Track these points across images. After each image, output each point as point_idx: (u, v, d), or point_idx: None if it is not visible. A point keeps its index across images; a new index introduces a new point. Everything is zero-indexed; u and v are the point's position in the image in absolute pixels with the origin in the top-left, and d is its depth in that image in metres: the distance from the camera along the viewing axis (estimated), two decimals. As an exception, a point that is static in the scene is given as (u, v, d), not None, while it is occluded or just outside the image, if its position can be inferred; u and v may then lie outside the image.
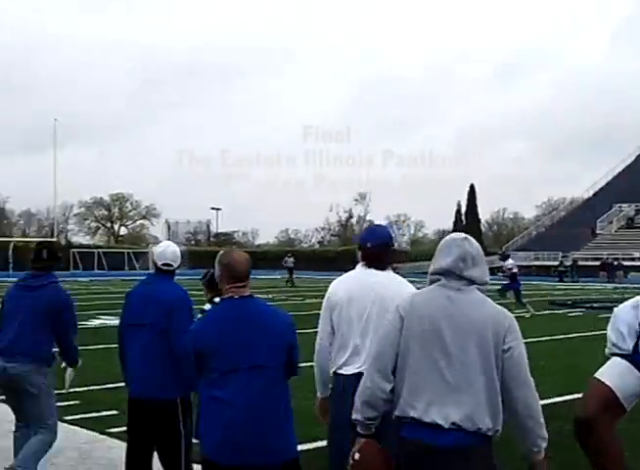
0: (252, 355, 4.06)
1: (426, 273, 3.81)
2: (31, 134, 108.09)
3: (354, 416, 3.61)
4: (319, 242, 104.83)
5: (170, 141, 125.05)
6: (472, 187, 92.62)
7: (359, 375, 4.37)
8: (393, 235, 4.93)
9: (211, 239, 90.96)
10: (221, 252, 4.44)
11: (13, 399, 6.34)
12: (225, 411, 4.03)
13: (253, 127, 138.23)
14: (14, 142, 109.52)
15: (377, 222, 74.22)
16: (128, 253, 73.97)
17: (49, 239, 70.21)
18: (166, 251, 5.68)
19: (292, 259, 43.64)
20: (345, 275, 4.96)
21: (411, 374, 3.46)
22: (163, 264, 5.62)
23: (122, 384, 9.63)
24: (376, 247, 4.83)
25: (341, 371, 4.67)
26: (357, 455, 3.57)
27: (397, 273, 5.00)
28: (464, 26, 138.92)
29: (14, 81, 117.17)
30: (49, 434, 6.18)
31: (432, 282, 3.67)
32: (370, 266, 4.82)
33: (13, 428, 7.93)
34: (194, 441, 4.85)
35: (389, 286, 4.71)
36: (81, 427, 8.02)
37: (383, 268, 4.82)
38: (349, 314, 4.71)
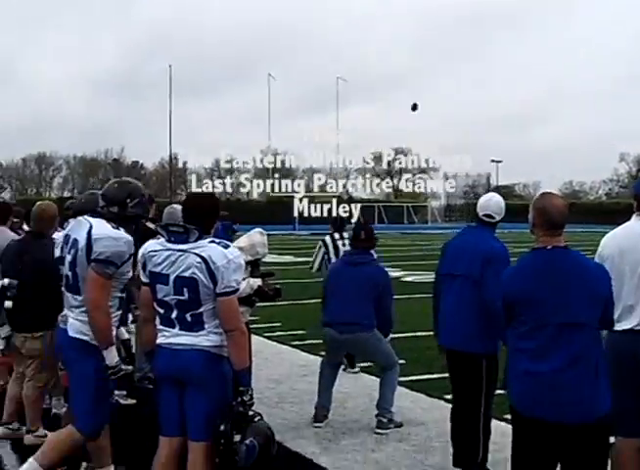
0: (564, 311, 3.77)
1: None
2: (315, 94, 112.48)
3: None
4: (606, 194, 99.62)
5: (450, 94, 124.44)
6: None
7: (631, 332, 4.34)
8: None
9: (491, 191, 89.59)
10: (537, 195, 4.14)
11: (342, 353, 7.13)
12: (530, 365, 3.84)
13: (535, 79, 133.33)
14: (299, 102, 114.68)
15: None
16: (407, 206, 74.90)
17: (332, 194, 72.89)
18: (490, 201, 5.42)
19: None
20: (619, 228, 4.60)
21: None
22: (485, 215, 5.37)
23: (411, 334, 9.80)
24: None
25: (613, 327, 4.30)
26: None
27: None
28: None
29: (298, 43, 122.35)
30: (395, 367, 6.77)
31: None
32: None
33: (304, 372, 8.28)
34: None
35: None
36: (370, 374, 8.14)
37: None
38: (621, 268, 4.39)
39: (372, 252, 7.05)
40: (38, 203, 6.57)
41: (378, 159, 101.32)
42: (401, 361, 8.66)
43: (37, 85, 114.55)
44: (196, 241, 4.05)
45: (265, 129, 57.00)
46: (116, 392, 7.09)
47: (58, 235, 6.43)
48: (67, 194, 76.94)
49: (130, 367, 8.02)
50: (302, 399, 7.38)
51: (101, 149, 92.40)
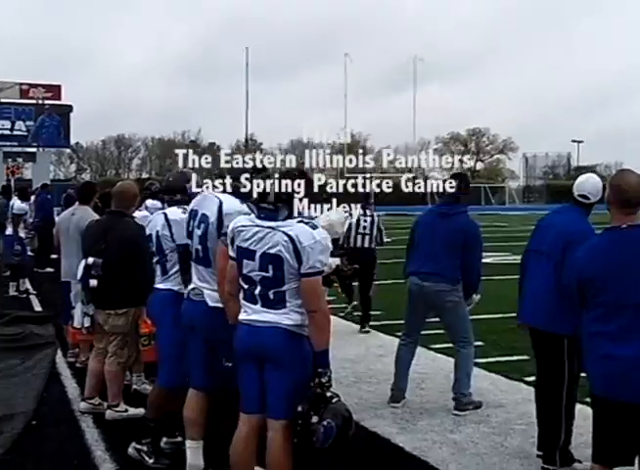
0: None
1: None
2: (392, 73, 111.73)
3: None
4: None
5: (531, 72, 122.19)
6: None
7: None
8: None
9: (571, 173, 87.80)
10: (615, 172, 4.02)
11: (421, 315, 6.75)
12: (611, 348, 3.75)
13: (617, 56, 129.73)
14: (375, 82, 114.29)
15: None
16: (484, 187, 73.98)
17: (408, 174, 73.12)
18: (586, 182, 5.22)
19: None
20: None
21: None
22: (580, 195, 5.18)
23: (489, 316, 9.68)
24: None
25: None
26: None
27: None
28: None
29: (375, 23, 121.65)
30: (469, 347, 6.62)
31: None
32: None
33: (380, 353, 8.27)
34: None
35: None
36: (448, 356, 8.07)
37: None
38: None
39: (464, 204, 6.75)
40: (120, 183, 6.69)
41: (455, 139, 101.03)
42: (479, 343, 8.60)
43: (116, 69, 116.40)
44: (285, 220, 4.06)
45: (342, 109, 56.67)
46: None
47: (139, 214, 6.53)
48: (145, 175, 78.29)
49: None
50: (379, 379, 7.36)
51: (178, 131, 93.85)
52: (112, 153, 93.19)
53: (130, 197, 6.36)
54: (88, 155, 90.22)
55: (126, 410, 6.17)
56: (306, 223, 4.06)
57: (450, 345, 8.43)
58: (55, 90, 53.36)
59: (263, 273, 4.05)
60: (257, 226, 4.10)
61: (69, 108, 54.05)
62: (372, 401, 6.64)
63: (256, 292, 4.10)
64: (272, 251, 4.01)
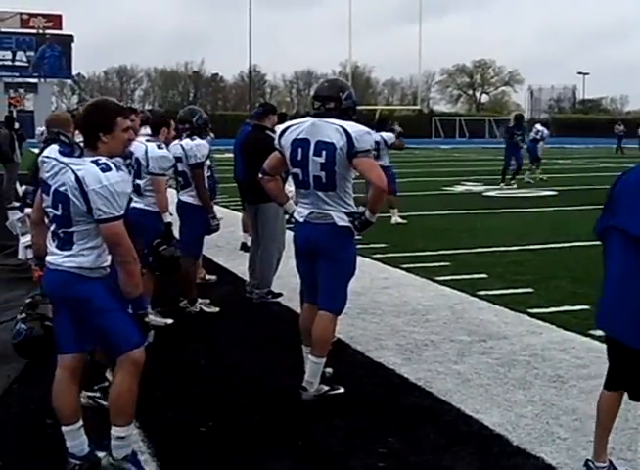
0: (631, 218, 3.43)
1: None
2: (398, 5, 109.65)
3: None
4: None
5: (537, 4, 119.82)
6: None
7: None
8: None
9: (577, 106, 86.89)
10: None
11: None
12: (604, 268, 3.63)
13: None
14: (381, 13, 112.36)
15: None
16: (489, 120, 73.34)
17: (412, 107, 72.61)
18: None
19: (622, 128, 42.16)
20: None
21: None
22: None
23: (493, 248, 9.67)
24: None
25: None
26: None
27: None
28: None
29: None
30: None
31: None
32: None
33: (386, 284, 8.25)
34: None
35: None
36: (452, 288, 8.08)
37: None
38: None
39: None
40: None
41: (460, 71, 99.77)
42: (484, 275, 8.62)
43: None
44: (80, 156, 3.72)
45: (347, 40, 55.44)
46: (200, 300, 7.28)
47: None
48: (147, 106, 77.68)
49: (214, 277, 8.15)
50: (384, 310, 7.37)
51: (181, 61, 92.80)
52: (114, 84, 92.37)
53: (59, 124, 6.09)
54: (90, 86, 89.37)
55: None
56: (99, 164, 3.65)
57: (457, 277, 8.47)
58: (55, 19, 52.67)
59: (54, 211, 3.78)
60: (56, 160, 3.76)
61: (70, 38, 53.37)
62: (376, 333, 6.65)
63: (52, 229, 3.85)
64: (61, 189, 3.71)
